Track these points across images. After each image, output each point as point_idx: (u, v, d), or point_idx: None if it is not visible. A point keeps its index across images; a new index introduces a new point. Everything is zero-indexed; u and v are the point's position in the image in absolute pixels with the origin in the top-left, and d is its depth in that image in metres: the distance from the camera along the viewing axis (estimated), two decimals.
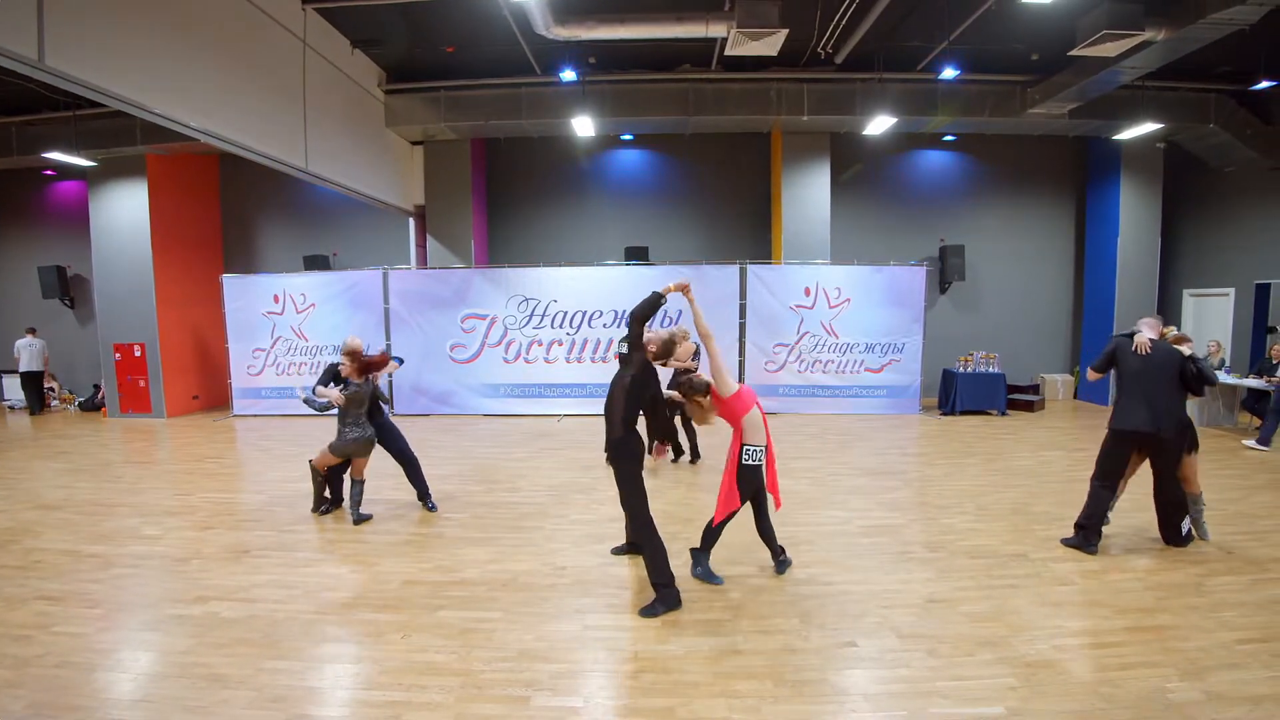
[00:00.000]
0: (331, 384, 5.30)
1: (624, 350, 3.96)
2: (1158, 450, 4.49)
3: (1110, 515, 4.77)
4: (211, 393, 11.56)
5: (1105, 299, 11.09)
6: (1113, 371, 4.70)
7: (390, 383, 10.52)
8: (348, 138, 8.94)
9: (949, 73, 8.94)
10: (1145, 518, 4.89)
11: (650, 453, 4.84)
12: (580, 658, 3.28)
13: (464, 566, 4.40)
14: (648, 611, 3.68)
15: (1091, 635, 3.45)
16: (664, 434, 4.69)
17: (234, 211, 12.29)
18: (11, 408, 12.24)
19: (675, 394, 4.12)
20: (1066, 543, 4.63)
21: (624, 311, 10.24)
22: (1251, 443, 7.71)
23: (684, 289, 4.05)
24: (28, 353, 11.46)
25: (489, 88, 9.93)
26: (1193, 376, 4.44)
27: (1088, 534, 4.55)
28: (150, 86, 5.62)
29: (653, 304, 3.88)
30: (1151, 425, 4.40)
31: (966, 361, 10.49)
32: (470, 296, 10.37)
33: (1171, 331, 4.75)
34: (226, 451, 8.20)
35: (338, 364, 5.30)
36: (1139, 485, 4.85)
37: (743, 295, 10.17)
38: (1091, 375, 4.75)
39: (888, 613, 3.70)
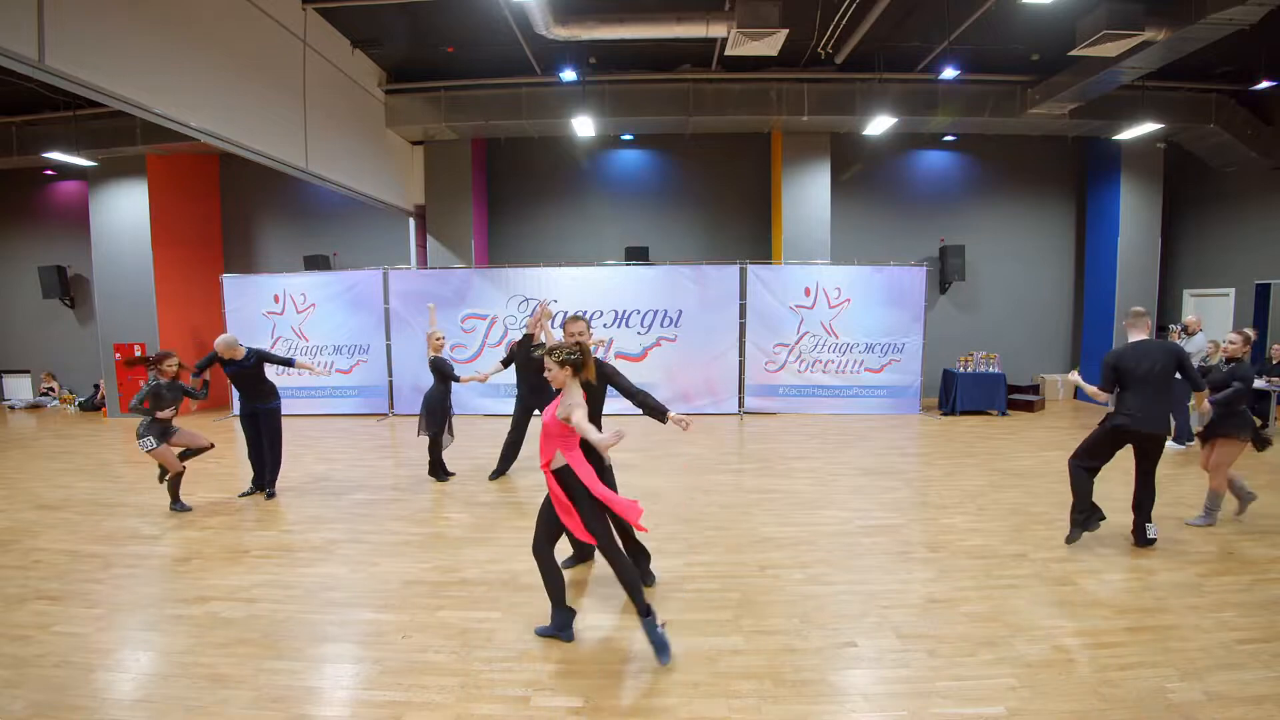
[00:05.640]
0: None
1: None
2: (1149, 450, 4.51)
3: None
4: (211, 393, 11.52)
5: (1105, 299, 11.09)
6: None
7: (390, 383, 10.55)
8: (348, 138, 8.94)
9: (949, 73, 8.93)
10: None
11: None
12: (580, 658, 3.28)
13: (464, 566, 4.40)
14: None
15: (1091, 635, 3.44)
16: None
17: (234, 211, 12.29)
18: (12, 408, 12.26)
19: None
20: (1073, 539, 4.64)
21: (624, 311, 10.26)
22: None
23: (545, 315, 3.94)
24: None
25: (489, 88, 9.93)
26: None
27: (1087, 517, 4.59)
28: (150, 86, 5.62)
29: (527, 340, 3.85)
30: (1150, 426, 4.40)
31: (966, 361, 10.49)
32: (470, 296, 10.37)
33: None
34: (226, 451, 8.20)
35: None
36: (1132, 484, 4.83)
37: (743, 295, 10.17)
38: (1103, 395, 4.62)
39: (888, 613, 3.69)
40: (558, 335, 5.31)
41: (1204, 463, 5.13)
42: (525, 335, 6.21)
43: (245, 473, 6.43)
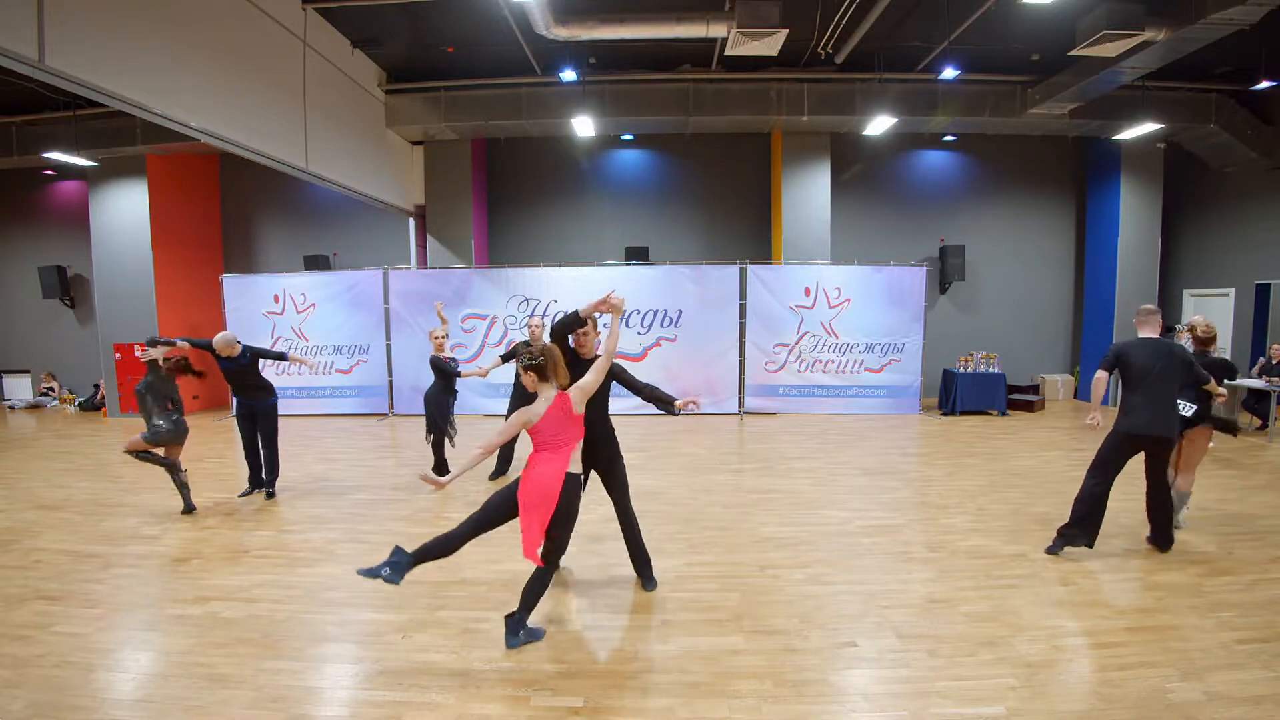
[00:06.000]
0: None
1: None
2: (1160, 455, 4.45)
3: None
4: (211, 393, 11.55)
5: (1105, 299, 11.09)
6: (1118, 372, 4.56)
7: (390, 383, 10.55)
8: (348, 138, 8.94)
9: (949, 73, 8.93)
10: (1143, 518, 4.88)
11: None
12: (580, 658, 3.28)
13: (464, 566, 4.39)
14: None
15: (1091, 635, 3.45)
16: None
17: (234, 211, 12.29)
18: (12, 408, 12.26)
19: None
20: (1053, 551, 4.52)
21: (624, 312, 10.23)
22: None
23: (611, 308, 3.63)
24: None
25: (489, 88, 9.93)
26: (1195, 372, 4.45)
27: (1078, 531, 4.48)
28: (150, 86, 5.62)
29: (573, 321, 3.73)
30: (1160, 429, 4.32)
31: (966, 361, 10.49)
32: (470, 296, 10.37)
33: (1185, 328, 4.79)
34: (226, 451, 8.20)
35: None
36: (1135, 485, 4.83)
37: (743, 295, 10.17)
38: (1100, 388, 4.46)
39: (888, 613, 3.69)
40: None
41: (1174, 461, 4.92)
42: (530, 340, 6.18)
43: (246, 472, 6.40)
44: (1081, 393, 11.63)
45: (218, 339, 5.81)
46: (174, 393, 5.56)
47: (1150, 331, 4.47)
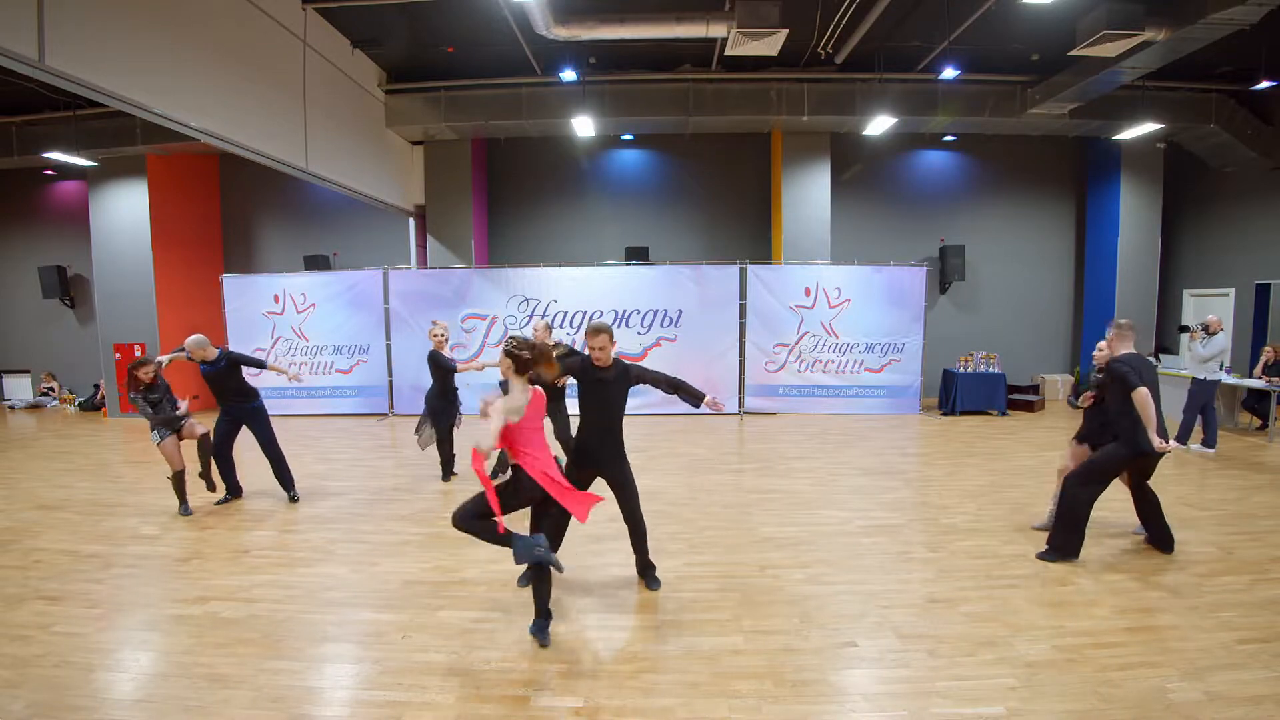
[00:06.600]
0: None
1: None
2: (1154, 465, 4.43)
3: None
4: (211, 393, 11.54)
5: (1105, 299, 11.09)
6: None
7: (390, 383, 10.54)
8: (348, 138, 8.94)
9: (949, 73, 8.94)
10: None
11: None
12: (580, 658, 3.28)
13: (464, 566, 4.40)
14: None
15: (1091, 635, 3.44)
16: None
17: (234, 211, 12.29)
18: (12, 408, 12.26)
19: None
20: (1044, 557, 4.45)
21: (624, 312, 10.26)
22: (1198, 447, 7.55)
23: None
24: None
25: (489, 88, 9.93)
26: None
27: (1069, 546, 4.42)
28: (150, 86, 5.62)
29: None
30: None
31: (966, 361, 10.49)
32: (470, 296, 10.37)
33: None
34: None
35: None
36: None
37: (743, 295, 10.16)
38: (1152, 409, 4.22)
39: (888, 613, 3.69)
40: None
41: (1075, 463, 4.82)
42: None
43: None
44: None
45: (189, 342, 5.63)
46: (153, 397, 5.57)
47: (1129, 346, 4.38)
